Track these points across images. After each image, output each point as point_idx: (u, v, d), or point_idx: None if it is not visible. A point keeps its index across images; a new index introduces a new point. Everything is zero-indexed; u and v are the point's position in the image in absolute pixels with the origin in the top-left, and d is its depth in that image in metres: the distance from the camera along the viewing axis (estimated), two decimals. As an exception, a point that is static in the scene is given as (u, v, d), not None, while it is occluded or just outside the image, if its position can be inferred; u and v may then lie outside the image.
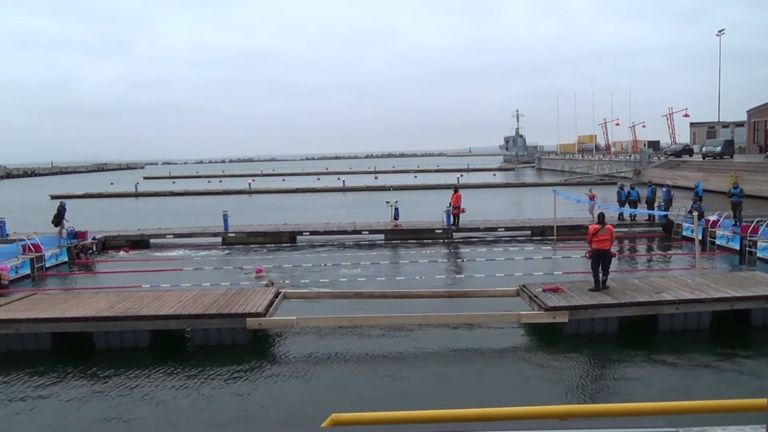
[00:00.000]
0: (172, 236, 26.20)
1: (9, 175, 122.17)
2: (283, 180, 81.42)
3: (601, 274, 13.09)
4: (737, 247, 20.27)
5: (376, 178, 78.11)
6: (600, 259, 13.14)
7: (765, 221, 20.45)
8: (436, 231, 25.78)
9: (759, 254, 19.12)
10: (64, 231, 22.98)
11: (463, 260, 21.29)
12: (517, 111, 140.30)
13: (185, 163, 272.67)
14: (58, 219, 23.01)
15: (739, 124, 73.02)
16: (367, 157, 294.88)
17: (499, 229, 26.25)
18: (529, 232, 25.97)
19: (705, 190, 41.18)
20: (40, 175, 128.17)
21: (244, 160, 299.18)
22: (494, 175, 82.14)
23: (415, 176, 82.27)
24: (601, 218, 13.93)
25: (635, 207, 25.87)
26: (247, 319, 11.79)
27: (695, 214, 17.70)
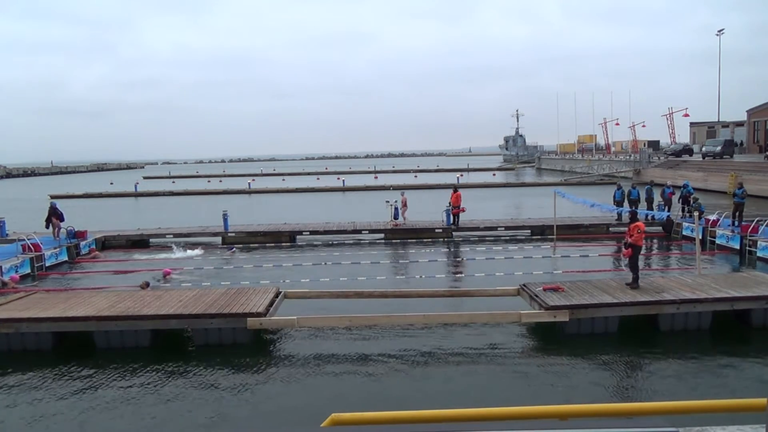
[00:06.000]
0: (172, 236, 26.19)
1: (9, 174, 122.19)
2: (283, 180, 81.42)
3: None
4: (737, 247, 20.27)
5: (376, 177, 78.15)
6: None
7: (765, 221, 20.46)
8: (436, 230, 25.78)
9: (759, 254, 19.11)
10: (60, 231, 23.00)
11: (463, 259, 21.30)
12: (516, 111, 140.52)
13: (185, 162, 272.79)
14: (48, 220, 23.08)
15: (739, 124, 73.01)
16: (366, 156, 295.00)
17: (498, 229, 26.27)
18: (529, 231, 25.99)
19: (705, 190, 41.27)
20: (40, 174, 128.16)
21: (244, 160, 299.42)
22: (494, 174, 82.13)
23: (415, 176, 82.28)
24: (630, 217, 14.49)
25: (636, 207, 25.84)
26: (248, 318, 11.79)
27: (696, 213, 17.71)
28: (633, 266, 13.40)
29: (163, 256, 22.86)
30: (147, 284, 16.06)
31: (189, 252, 23.27)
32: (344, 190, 60.08)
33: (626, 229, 14.22)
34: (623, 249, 14.07)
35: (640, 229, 13.43)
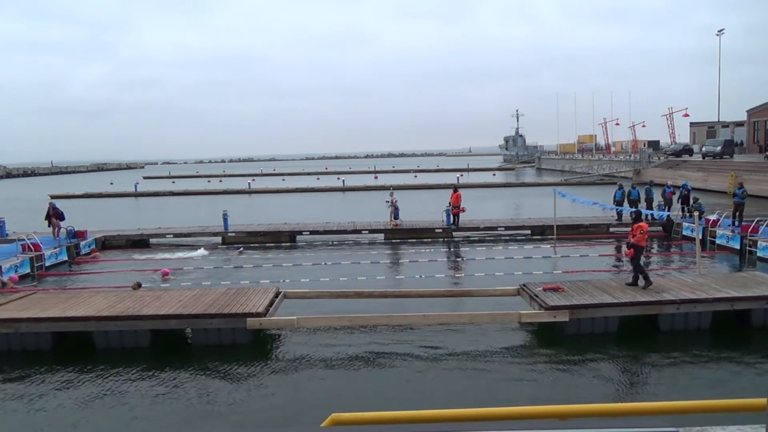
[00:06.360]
0: (171, 236, 26.19)
1: (9, 174, 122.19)
2: (283, 180, 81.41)
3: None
4: (737, 247, 20.26)
5: (376, 177, 78.16)
6: None
7: (765, 221, 20.45)
8: (436, 230, 25.78)
9: (759, 254, 19.10)
10: (60, 231, 23.01)
11: (462, 259, 21.29)
12: (516, 111, 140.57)
13: (185, 162, 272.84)
14: (48, 217, 23.11)
15: (739, 124, 73.05)
16: (366, 156, 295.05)
17: (498, 229, 26.27)
18: (529, 231, 25.98)
19: (705, 190, 41.28)
20: (40, 174, 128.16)
21: (244, 160, 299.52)
22: (494, 174, 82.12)
23: (415, 176, 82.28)
24: (634, 217, 14.24)
25: (636, 207, 25.84)
26: (248, 318, 11.78)
27: (696, 213, 17.70)
28: (637, 267, 13.27)
29: (165, 255, 22.88)
30: (139, 285, 15.98)
31: (196, 252, 23.32)
32: (344, 190, 60.08)
33: (628, 229, 14.17)
34: (625, 249, 13.96)
35: (643, 229, 13.33)
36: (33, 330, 11.72)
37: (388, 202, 27.42)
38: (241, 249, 23.75)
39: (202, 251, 23.43)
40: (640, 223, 13.52)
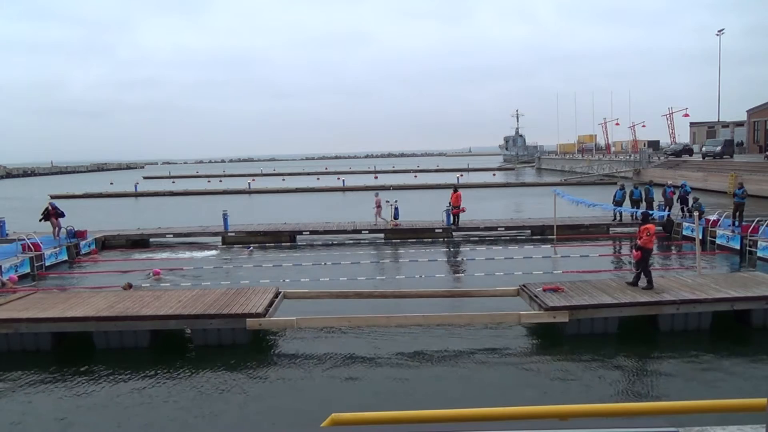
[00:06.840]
0: (171, 236, 26.19)
1: (9, 174, 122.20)
2: (283, 180, 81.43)
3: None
4: (737, 247, 20.26)
5: (376, 177, 78.15)
6: None
7: (765, 221, 20.45)
8: (436, 230, 25.78)
9: (759, 254, 19.10)
10: (60, 230, 23.01)
11: (462, 259, 21.29)
12: (516, 111, 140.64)
13: (185, 162, 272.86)
14: (47, 217, 23.13)
15: (739, 124, 73.05)
16: (366, 156, 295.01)
17: (498, 229, 26.26)
18: (529, 231, 25.98)
19: (705, 190, 41.26)
20: (40, 174, 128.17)
21: (244, 160, 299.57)
22: (494, 174, 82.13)
23: (415, 176, 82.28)
24: (642, 219, 14.12)
25: (638, 207, 25.87)
26: (247, 319, 11.77)
27: (696, 213, 17.70)
28: (644, 270, 13.07)
29: (164, 255, 22.89)
30: (129, 285, 15.93)
31: (205, 252, 23.31)
32: (344, 190, 60.08)
33: (628, 229, 14.10)
34: (633, 252, 13.70)
35: (649, 231, 13.04)
36: (33, 330, 11.72)
37: (388, 201, 27.40)
38: (252, 248, 23.76)
39: (211, 251, 23.40)
40: (647, 225, 13.27)
